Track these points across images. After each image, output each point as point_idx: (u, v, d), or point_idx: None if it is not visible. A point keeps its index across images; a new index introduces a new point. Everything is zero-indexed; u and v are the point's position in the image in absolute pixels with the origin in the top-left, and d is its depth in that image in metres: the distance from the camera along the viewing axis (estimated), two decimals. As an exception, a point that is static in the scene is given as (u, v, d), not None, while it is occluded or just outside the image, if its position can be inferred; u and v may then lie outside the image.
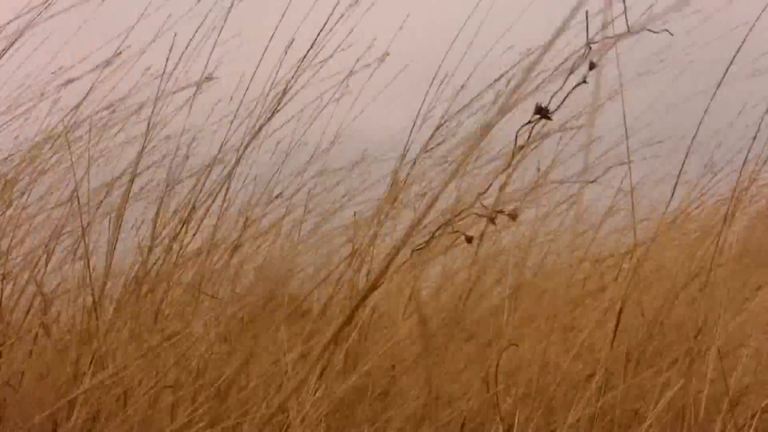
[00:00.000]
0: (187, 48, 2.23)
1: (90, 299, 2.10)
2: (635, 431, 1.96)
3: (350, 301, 1.93)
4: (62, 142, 2.30)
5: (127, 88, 2.43)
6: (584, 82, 2.01)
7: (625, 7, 1.75)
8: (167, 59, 2.21)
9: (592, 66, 1.99)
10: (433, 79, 2.33)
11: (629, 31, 1.77)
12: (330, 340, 1.61)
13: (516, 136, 2.00)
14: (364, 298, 1.89)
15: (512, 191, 2.21)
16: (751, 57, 2.31)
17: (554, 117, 1.95)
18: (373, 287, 1.91)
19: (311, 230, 2.48)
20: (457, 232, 1.99)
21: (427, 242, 2.02)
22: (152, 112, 2.23)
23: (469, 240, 2.00)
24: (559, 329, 2.14)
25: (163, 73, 2.22)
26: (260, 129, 2.21)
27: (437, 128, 2.17)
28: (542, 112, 1.98)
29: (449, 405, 2.02)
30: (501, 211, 1.96)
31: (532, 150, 2.01)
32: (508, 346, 1.87)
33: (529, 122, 2.01)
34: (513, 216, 1.98)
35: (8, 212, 2.30)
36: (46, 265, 2.32)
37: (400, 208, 2.23)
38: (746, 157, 2.19)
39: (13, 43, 2.19)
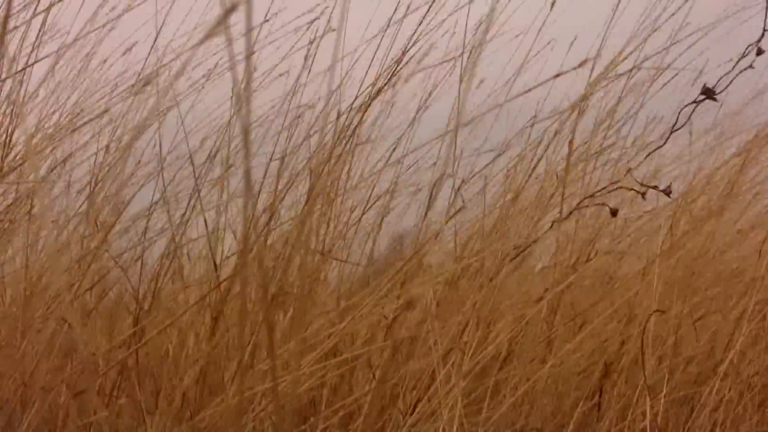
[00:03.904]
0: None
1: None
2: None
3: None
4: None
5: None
6: (751, 67, 1.98)
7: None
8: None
9: (760, 52, 1.94)
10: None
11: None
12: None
13: (678, 115, 1.97)
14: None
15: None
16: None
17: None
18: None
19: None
20: (603, 204, 1.95)
21: (570, 214, 1.99)
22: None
23: (614, 213, 1.95)
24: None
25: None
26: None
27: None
28: (708, 93, 1.94)
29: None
30: (655, 187, 1.90)
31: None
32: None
33: (694, 102, 1.96)
34: (667, 193, 1.92)
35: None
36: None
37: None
38: None
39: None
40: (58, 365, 2.11)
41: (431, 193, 2.10)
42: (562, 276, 1.97)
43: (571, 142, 2.16)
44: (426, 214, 2.07)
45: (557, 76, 1.99)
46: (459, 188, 2.06)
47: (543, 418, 1.97)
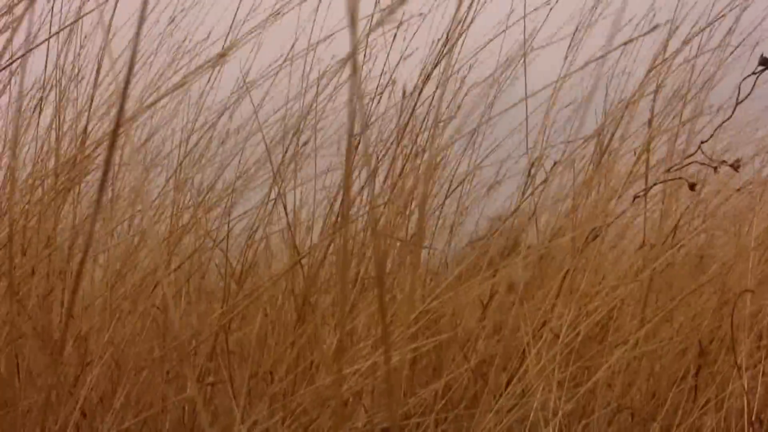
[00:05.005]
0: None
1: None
2: None
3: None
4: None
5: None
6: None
7: None
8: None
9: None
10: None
11: None
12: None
13: (739, 87, 1.91)
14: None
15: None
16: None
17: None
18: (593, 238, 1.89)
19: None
20: (680, 178, 1.93)
21: (648, 189, 1.97)
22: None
23: (692, 187, 1.93)
24: None
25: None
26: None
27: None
28: (766, 63, 1.88)
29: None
30: (724, 161, 1.88)
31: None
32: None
33: (754, 73, 1.90)
34: (736, 167, 1.89)
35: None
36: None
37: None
38: None
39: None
40: (150, 346, 2.14)
41: (528, 174, 2.10)
42: (656, 255, 1.95)
43: (650, 119, 2.13)
44: (523, 197, 2.07)
45: (627, 42, 1.97)
46: (552, 168, 2.05)
47: (639, 398, 1.95)
